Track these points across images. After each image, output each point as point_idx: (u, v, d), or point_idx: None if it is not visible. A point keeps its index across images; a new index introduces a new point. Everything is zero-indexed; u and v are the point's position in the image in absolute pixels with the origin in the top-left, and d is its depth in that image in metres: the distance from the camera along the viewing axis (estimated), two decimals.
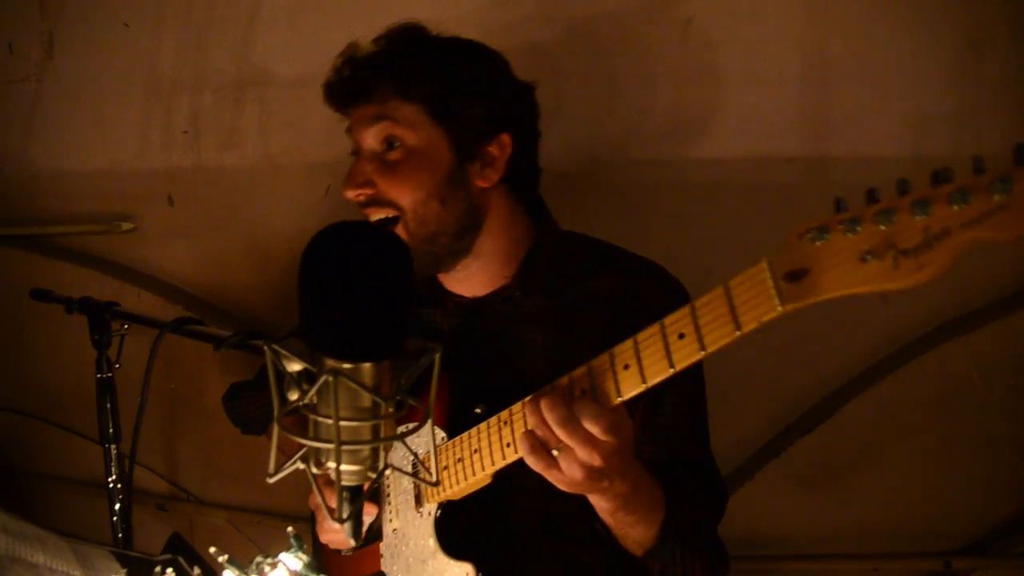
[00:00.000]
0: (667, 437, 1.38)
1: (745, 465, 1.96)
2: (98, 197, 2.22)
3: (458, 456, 1.28)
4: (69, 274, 2.18)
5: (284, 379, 0.91)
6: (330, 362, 0.85)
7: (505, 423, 1.21)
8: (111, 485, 1.54)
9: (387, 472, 1.15)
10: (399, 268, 0.86)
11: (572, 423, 1.06)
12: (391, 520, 1.42)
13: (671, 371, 1.01)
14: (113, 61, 2.16)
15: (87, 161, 2.21)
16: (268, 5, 2.04)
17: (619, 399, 1.07)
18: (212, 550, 1.00)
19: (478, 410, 1.29)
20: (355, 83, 1.44)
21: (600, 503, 1.20)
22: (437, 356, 0.90)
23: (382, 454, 0.90)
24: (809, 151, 1.88)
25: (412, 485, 1.38)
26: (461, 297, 1.50)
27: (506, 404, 1.23)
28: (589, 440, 1.07)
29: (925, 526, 1.95)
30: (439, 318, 1.51)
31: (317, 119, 2.08)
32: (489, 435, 1.23)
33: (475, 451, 1.25)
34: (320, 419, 0.87)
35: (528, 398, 1.15)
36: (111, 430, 1.54)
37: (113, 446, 1.55)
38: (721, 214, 1.94)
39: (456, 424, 1.32)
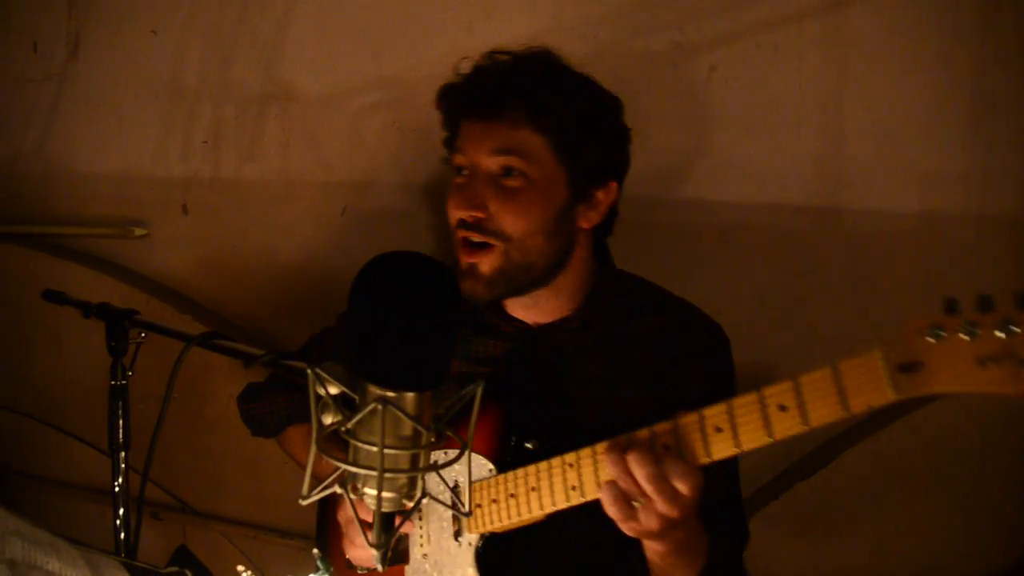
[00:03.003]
0: (712, 484, 1.42)
1: (746, 503, 1.97)
2: (112, 201, 2.21)
3: (511, 491, 1.27)
4: (77, 276, 2.17)
5: (320, 401, 0.92)
6: (375, 389, 0.86)
7: (571, 466, 1.20)
8: (117, 491, 1.53)
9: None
10: (449, 301, 0.88)
11: (661, 480, 1.09)
12: (421, 545, 1.41)
13: (769, 440, 1.03)
14: (137, 66, 2.16)
15: (104, 164, 2.21)
16: (298, 23, 2.06)
17: (707, 459, 1.09)
18: (240, 568, 1.00)
19: (529, 445, 1.30)
20: (489, 97, 1.40)
21: (655, 547, 1.21)
22: (479, 390, 0.92)
23: (419, 482, 0.91)
24: (821, 201, 1.92)
25: (449, 513, 1.37)
26: (522, 323, 1.51)
27: (557, 437, 1.24)
28: (675, 497, 1.09)
29: (917, 575, 1.98)
30: (493, 345, 1.51)
31: (338, 139, 2.10)
32: (551, 475, 1.22)
33: (532, 489, 1.24)
34: (362, 445, 0.88)
35: (603, 447, 1.16)
36: (121, 439, 1.54)
37: (122, 454, 1.54)
38: (733, 257, 1.97)
39: (504, 456, 1.32)
